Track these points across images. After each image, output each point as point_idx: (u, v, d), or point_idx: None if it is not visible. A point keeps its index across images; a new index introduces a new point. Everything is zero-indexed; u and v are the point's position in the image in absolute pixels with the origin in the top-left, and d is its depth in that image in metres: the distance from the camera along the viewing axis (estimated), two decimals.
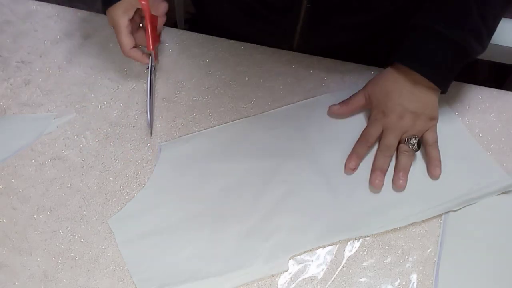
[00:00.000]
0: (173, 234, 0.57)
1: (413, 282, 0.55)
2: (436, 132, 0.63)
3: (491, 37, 0.61)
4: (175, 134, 0.65)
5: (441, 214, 0.59)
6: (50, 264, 0.55)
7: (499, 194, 0.60)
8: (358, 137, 0.63)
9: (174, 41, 0.74)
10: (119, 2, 0.65)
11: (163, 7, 0.67)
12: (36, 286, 0.54)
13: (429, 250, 0.57)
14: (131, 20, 0.66)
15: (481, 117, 0.67)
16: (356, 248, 0.57)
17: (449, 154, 0.62)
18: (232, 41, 0.73)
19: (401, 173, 0.60)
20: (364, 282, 0.55)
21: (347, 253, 0.56)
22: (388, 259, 0.56)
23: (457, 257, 0.56)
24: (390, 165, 0.62)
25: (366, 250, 0.57)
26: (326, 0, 0.67)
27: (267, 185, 0.60)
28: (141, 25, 0.69)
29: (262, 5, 0.72)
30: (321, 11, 0.69)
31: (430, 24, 0.60)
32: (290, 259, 0.56)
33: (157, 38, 0.70)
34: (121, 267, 0.55)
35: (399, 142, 0.62)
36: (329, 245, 0.57)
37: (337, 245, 0.57)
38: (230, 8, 0.76)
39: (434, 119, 0.63)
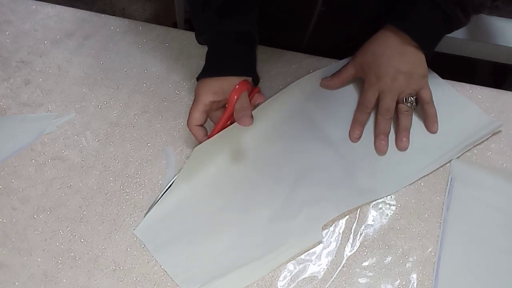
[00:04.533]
0: (202, 231, 0.58)
1: (413, 282, 0.55)
2: (429, 89, 0.65)
3: (476, 11, 0.66)
4: (175, 134, 0.65)
5: (441, 214, 0.59)
6: (50, 264, 0.55)
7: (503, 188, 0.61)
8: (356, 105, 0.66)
9: (174, 41, 0.74)
10: (214, 79, 0.61)
11: (246, 121, 0.57)
12: (36, 286, 0.54)
13: (429, 250, 0.57)
14: (216, 101, 0.61)
15: None
16: (356, 248, 0.57)
17: (439, 108, 0.65)
18: None
19: (403, 133, 0.63)
20: (364, 282, 0.55)
21: (347, 253, 0.57)
22: (388, 259, 0.56)
23: (457, 257, 0.56)
24: (393, 128, 0.65)
25: (366, 250, 0.57)
26: (340, 2, 0.69)
27: (282, 167, 0.62)
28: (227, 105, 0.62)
29: (274, 7, 0.73)
30: (334, 12, 0.71)
31: None
32: (322, 229, 0.57)
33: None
34: (121, 267, 0.55)
35: (397, 103, 0.64)
36: (333, 222, 0.57)
37: (337, 245, 0.57)
38: None
39: (425, 76, 0.65)
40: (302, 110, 0.67)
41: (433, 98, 0.65)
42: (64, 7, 0.78)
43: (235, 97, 0.59)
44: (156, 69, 0.71)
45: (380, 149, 0.63)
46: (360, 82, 0.67)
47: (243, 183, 0.61)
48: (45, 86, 0.69)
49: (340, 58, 0.71)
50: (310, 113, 0.66)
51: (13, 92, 0.69)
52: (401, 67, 0.63)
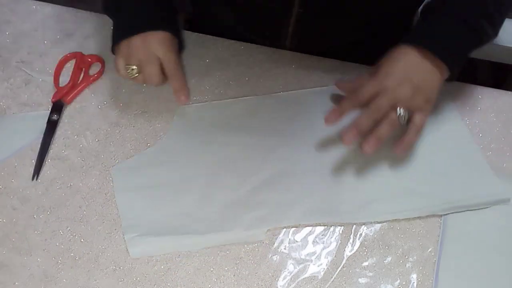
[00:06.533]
0: (166, 191, 0.60)
1: (413, 282, 0.55)
2: (426, 118, 0.59)
3: (502, 23, 0.62)
4: None
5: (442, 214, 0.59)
6: (50, 264, 0.55)
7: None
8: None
9: None
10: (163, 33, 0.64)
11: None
12: (36, 286, 0.54)
13: (429, 250, 0.57)
14: None
15: (481, 117, 0.67)
16: (356, 248, 0.57)
17: (449, 157, 0.62)
18: (232, 41, 0.73)
19: (375, 139, 0.57)
20: (364, 282, 0.55)
21: (347, 253, 0.57)
22: (388, 259, 0.56)
23: (457, 257, 0.56)
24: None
25: (366, 250, 0.57)
26: (317, 5, 0.68)
27: (263, 161, 0.63)
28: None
29: (252, 7, 0.72)
30: (312, 15, 0.70)
31: (443, 7, 0.60)
32: (267, 231, 0.57)
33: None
34: (121, 267, 0.55)
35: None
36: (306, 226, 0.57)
37: (337, 245, 0.57)
38: (222, 9, 0.77)
39: (430, 102, 0.60)
40: (307, 116, 0.66)
41: (447, 142, 0.62)
42: (64, 7, 0.78)
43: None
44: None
45: (344, 138, 0.57)
46: None
47: (222, 162, 0.62)
48: (45, 86, 0.69)
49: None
50: (314, 122, 0.65)
51: (13, 92, 0.69)
52: (413, 76, 0.58)
